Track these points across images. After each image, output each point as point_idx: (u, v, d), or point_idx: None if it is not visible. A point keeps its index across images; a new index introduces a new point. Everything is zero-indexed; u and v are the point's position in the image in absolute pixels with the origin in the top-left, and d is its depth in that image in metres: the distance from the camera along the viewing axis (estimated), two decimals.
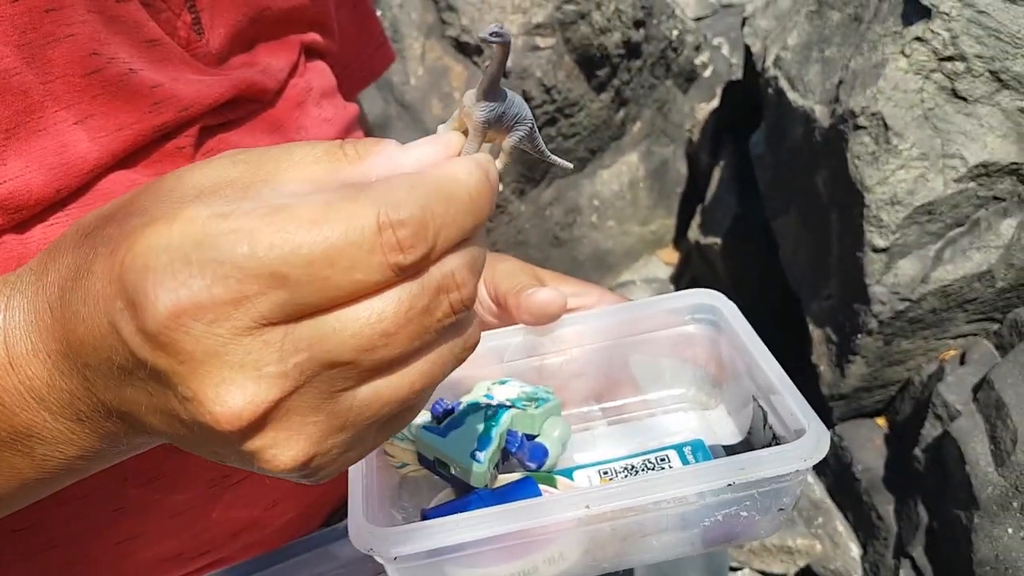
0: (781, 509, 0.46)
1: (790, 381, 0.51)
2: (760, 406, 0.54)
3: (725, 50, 2.16)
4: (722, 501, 0.44)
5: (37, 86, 0.40)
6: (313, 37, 0.59)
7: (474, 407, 0.52)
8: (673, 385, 0.62)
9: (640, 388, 0.62)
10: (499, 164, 0.33)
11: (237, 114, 0.51)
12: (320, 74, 0.60)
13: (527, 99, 1.63)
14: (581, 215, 1.85)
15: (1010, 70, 1.18)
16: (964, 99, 1.21)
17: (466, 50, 1.67)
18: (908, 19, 1.21)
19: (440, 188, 0.26)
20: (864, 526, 1.42)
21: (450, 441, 0.50)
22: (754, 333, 0.55)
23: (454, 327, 0.28)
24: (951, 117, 1.21)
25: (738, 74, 1.98)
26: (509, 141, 0.34)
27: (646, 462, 0.54)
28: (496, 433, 0.50)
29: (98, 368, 0.28)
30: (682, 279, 1.98)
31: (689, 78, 2.00)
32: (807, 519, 1.44)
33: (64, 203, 0.41)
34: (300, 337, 0.25)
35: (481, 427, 0.51)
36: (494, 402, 0.54)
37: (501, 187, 1.68)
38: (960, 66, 1.19)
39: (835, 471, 1.48)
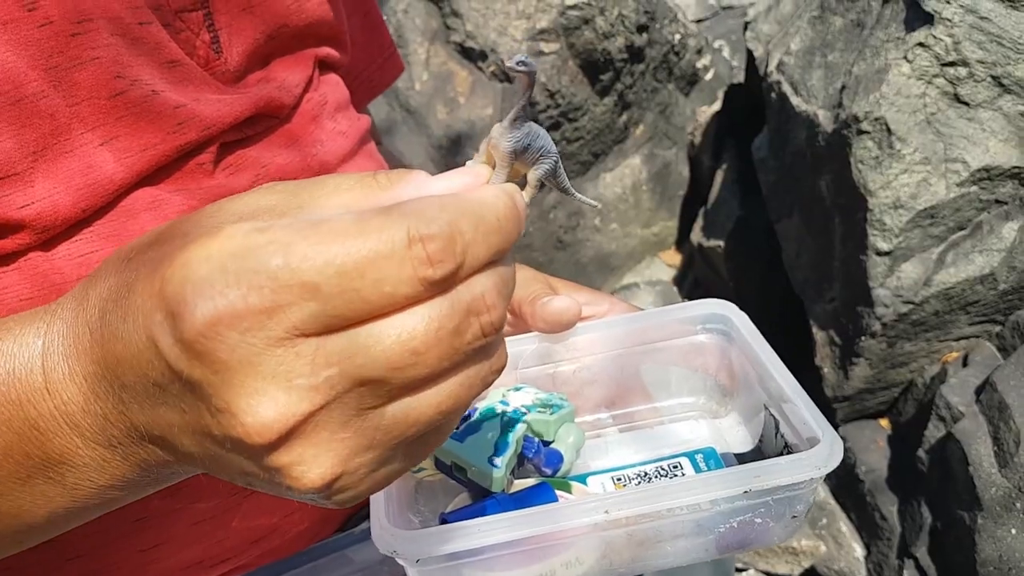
0: (795, 516, 0.47)
1: (802, 390, 0.52)
2: (772, 415, 0.55)
3: (726, 52, 2.17)
4: (737, 508, 0.45)
5: (64, 109, 0.41)
6: (327, 51, 0.60)
7: (490, 413, 0.53)
8: (684, 393, 0.63)
9: (651, 396, 0.62)
10: (525, 196, 0.34)
11: (255, 130, 0.52)
12: (334, 87, 0.61)
13: (531, 104, 1.64)
14: (584, 218, 1.87)
15: (1012, 75, 1.19)
16: (966, 104, 1.22)
17: (470, 55, 1.68)
18: (911, 25, 1.22)
19: (469, 208, 0.27)
20: (868, 527, 1.43)
21: (468, 446, 0.51)
22: (765, 342, 0.56)
23: (483, 350, 0.28)
24: (953, 122, 1.22)
25: (739, 77, 1.99)
26: (535, 173, 0.35)
27: (659, 469, 0.55)
28: (513, 439, 0.51)
29: (134, 387, 0.28)
30: (685, 281, 1.99)
31: (691, 81, 2.01)
32: (812, 520, 1.45)
33: (89, 220, 0.42)
34: (332, 351, 0.25)
35: (498, 433, 0.51)
36: (510, 408, 0.55)
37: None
38: (962, 71, 1.20)
39: (839, 472, 1.49)
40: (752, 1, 2.79)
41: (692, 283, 1.99)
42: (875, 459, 1.44)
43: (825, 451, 0.45)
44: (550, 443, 0.55)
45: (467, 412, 0.54)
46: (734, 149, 1.81)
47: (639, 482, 0.53)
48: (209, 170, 0.48)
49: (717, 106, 1.96)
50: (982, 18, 1.18)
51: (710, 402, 0.62)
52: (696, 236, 1.84)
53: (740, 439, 0.59)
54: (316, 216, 0.27)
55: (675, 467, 0.55)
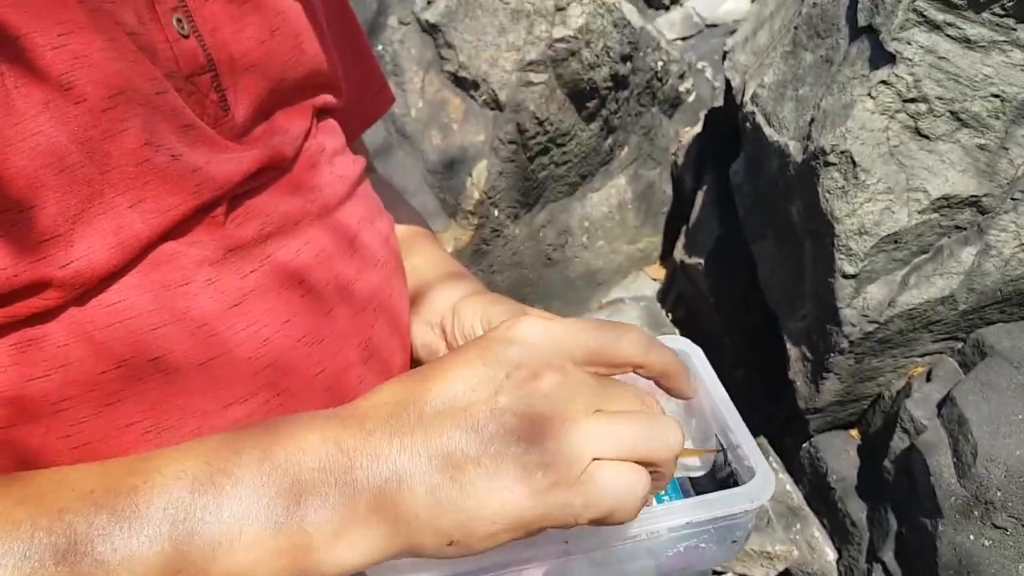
0: (734, 541, 0.54)
1: (744, 425, 0.59)
2: (721, 445, 0.63)
3: (708, 73, 2.24)
4: (683, 535, 0.52)
5: (97, 176, 0.45)
6: (325, 99, 0.65)
7: None
8: None
9: None
10: None
11: (260, 181, 0.56)
12: (331, 133, 0.66)
13: (521, 131, 1.71)
14: (572, 236, 1.93)
15: (969, 110, 1.26)
16: (927, 137, 1.29)
17: (463, 84, 1.74)
18: (875, 63, 1.29)
19: None
20: (839, 532, 1.50)
21: None
22: (717, 379, 0.63)
23: None
24: (915, 154, 1.29)
25: (720, 98, 2.06)
26: None
27: None
28: None
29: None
30: (668, 296, 2.07)
31: (674, 104, 2.07)
32: (786, 525, 1.53)
33: (117, 275, 0.47)
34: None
35: None
36: None
37: (496, 212, 1.76)
38: (923, 107, 1.27)
39: (812, 480, 1.57)
40: (735, 19, 2.86)
41: (676, 296, 2.06)
42: (845, 467, 1.51)
43: (759, 485, 0.52)
44: None
45: None
46: (714, 171, 1.87)
47: None
48: (220, 222, 0.52)
49: (698, 128, 2.03)
50: (940, 58, 1.25)
51: None
52: (678, 253, 1.91)
53: (695, 463, 0.67)
54: None
55: None
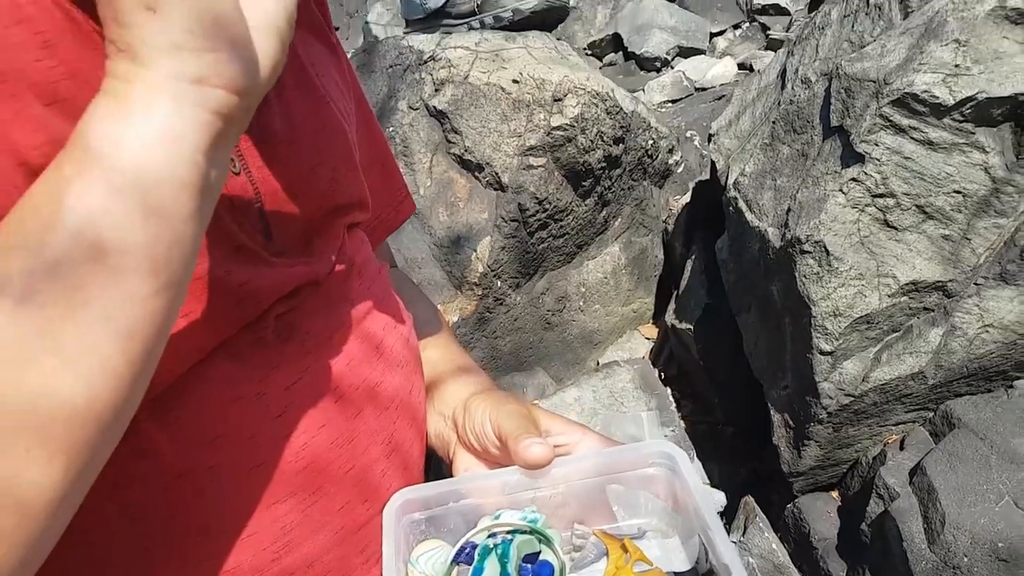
0: None
1: (722, 527, 0.68)
2: (703, 542, 0.72)
3: (696, 141, 2.37)
4: None
5: None
6: (354, 217, 0.71)
7: (485, 552, 0.68)
8: (642, 515, 0.79)
9: (615, 517, 0.79)
10: None
11: (299, 300, 0.63)
12: (358, 247, 0.72)
13: (522, 209, 1.82)
14: (570, 301, 2.03)
15: (933, 204, 1.37)
16: (895, 228, 1.40)
17: (468, 166, 1.85)
18: (846, 161, 1.40)
19: None
20: None
21: None
22: (700, 481, 0.73)
23: None
24: (884, 243, 1.40)
25: (707, 166, 2.18)
26: None
27: None
28: (511, 568, 0.66)
29: None
30: (661, 355, 2.17)
31: (664, 175, 2.19)
32: None
33: (179, 391, 0.53)
34: None
35: (498, 568, 0.66)
36: (499, 540, 0.70)
37: (499, 283, 1.86)
38: (891, 201, 1.39)
39: (796, 539, 1.66)
40: (723, 83, 2.99)
41: (668, 355, 2.16)
42: (827, 528, 1.60)
43: None
44: (538, 554, 0.70)
45: (466, 547, 0.68)
46: (701, 241, 1.98)
47: None
48: (269, 342, 0.59)
49: (687, 198, 2.14)
50: (906, 158, 1.37)
51: (660, 523, 0.79)
52: (669, 318, 2.02)
53: (681, 559, 0.75)
54: None
55: None
